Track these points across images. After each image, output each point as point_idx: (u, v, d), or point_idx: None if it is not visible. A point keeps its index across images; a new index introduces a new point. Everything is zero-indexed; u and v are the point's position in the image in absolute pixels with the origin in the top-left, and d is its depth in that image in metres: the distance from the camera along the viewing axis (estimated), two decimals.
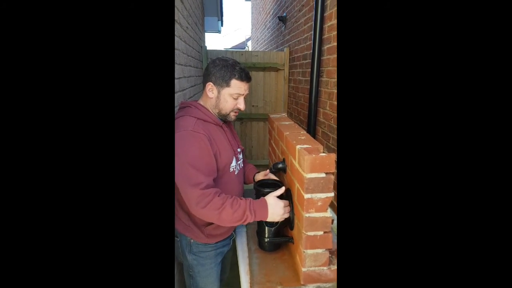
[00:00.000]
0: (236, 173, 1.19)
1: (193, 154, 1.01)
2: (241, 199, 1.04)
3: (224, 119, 1.18)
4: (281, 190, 1.07)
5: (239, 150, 1.25)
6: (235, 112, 1.17)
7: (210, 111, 1.15)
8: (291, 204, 1.09)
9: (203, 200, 0.98)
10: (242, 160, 1.28)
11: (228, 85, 1.11)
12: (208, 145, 1.04)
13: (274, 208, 1.03)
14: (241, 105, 1.15)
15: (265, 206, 1.03)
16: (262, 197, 1.07)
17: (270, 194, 1.06)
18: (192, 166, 0.99)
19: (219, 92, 1.12)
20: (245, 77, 1.12)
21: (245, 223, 1.02)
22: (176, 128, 1.04)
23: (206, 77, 1.14)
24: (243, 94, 1.14)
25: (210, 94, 1.13)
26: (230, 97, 1.12)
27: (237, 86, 1.11)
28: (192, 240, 1.17)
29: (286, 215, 1.06)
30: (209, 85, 1.12)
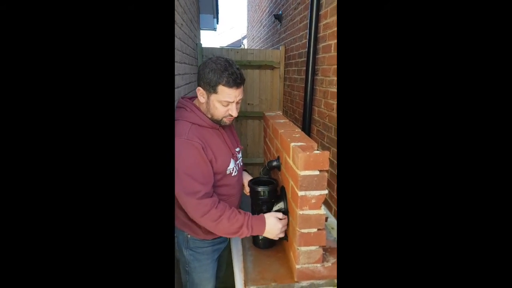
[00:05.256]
0: (233, 175, 1.17)
1: (188, 162, 1.00)
2: (239, 212, 1.04)
3: (218, 124, 1.13)
4: (281, 215, 1.08)
5: (237, 149, 1.22)
6: (228, 118, 1.10)
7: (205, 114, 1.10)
8: (285, 201, 1.09)
9: (200, 210, 0.99)
10: (241, 159, 1.26)
11: (215, 91, 1.02)
12: (202, 154, 1.02)
13: (272, 228, 1.05)
14: (233, 112, 1.07)
15: (263, 223, 1.05)
16: (262, 214, 1.07)
17: (272, 214, 1.07)
18: (187, 174, 0.98)
19: (208, 98, 1.05)
20: (233, 82, 1.01)
21: (241, 236, 1.04)
22: None
23: (197, 79, 1.07)
24: (233, 101, 1.05)
25: (201, 99, 1.08)
26: (220, 103, 1.04)
27: (226, 93, 1.02)
28: (189, 236, 1.18)
29: (281, 235, 1.08)
30: (199, 90, 1.06)
